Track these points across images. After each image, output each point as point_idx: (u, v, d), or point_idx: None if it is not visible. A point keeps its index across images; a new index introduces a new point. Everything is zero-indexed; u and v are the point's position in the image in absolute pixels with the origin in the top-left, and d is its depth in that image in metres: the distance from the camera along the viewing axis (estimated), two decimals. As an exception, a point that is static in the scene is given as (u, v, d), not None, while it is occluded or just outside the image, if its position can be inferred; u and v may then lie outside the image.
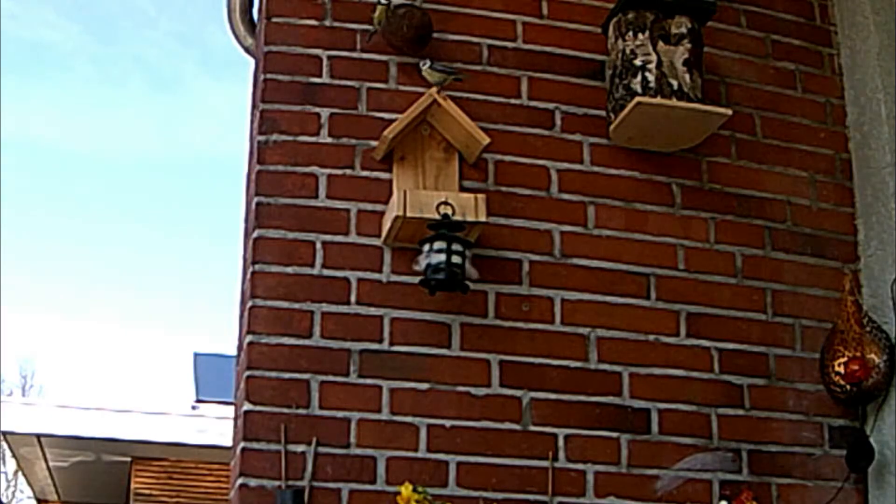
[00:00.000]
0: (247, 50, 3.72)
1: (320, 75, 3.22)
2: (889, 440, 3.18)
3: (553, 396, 3.08)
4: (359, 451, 2.93)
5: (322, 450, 2.91)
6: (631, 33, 3.23)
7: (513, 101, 3.31)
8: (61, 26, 33.78)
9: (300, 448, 2.90)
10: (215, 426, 9.31)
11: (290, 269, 3.04)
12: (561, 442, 3.04)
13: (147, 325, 36.86)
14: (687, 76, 3.20)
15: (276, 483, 2.86)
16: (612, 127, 3.27)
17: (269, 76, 3.20)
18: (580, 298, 3.17)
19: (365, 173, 3.16)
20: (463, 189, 3.15)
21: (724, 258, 3.32)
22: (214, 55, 35.54)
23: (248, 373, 2.94)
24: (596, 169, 3.30)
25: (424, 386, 3.01)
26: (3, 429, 9.86)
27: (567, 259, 3.21)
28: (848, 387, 3.20)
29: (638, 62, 3.21)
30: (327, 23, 3.27)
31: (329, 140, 3.17)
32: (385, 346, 3.02)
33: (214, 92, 36.43)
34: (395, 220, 2.97)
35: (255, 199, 3.09)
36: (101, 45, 34.58)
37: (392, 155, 3.16)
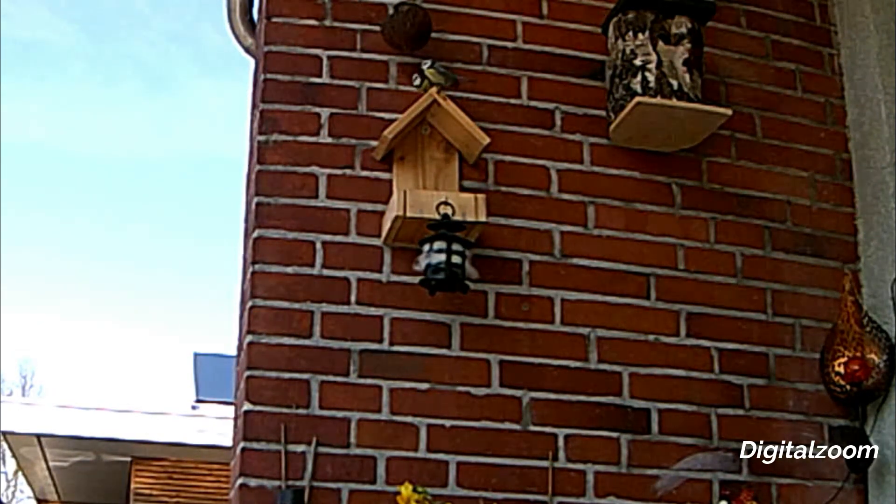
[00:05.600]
0: (247, 50, 3.72)
1: (320, 75, 3.22)
2: (889, 440, 3.18)
3: (553, 396, 3.08)
4: (359, 451, 2.93)
5: (322, 450, 2.91)
6: (631, 33, 3.23)
7: (513, 101, 3.31)
8: (56, 25, 33.82)
9: (300, 448, 2.90)
10: (215, 426, 9.31)
11: (290, 269, 3.04)
12: (561, 442, 3.04)
13: (147, 325, 36.91)
14: (687, 76, 3.20)
15: (276, 483, 2.86)
16: (612, 127, 3.27)
17: (269, 76, 3.20)
18: (580, 298, 3.18)
19: (365, 173, 3.16)
20: (463, 189, 3.15)
21: (724, 258, 3.32)
22: (210, 54, 35.54)
23: (248, 373, 2.95)
24: (596, 169, 3.30)
25: (424, 386, 3.01)
26: (3, 429, 9.86)
27: (567, 259, 3.21)
28: (848, 387, 3.20)
29: (638, 62, 3.21)
30: (327, 23, 3.27)
31: (329, 140, 3.17)
32: (385, 346, 3.02)
33: (210, 91, 36.44)
34: (395, 220, 2.97)
35: (255, 199, 3.10)
36: (96, 44, 34.61)
37: (392, 155, 3.16)
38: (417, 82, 3.11)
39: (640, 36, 3.22)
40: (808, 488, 3.18)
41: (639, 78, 3.19)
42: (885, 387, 3.21)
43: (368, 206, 3.12)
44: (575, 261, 3.21)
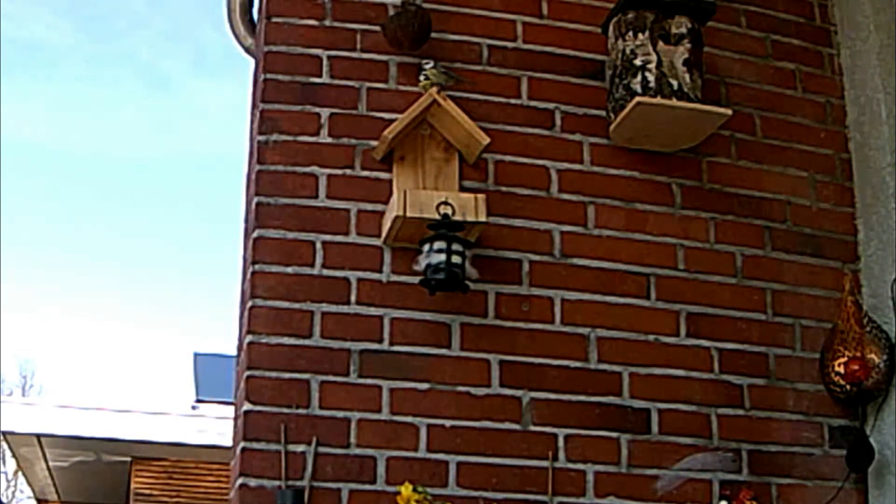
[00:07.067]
0: (247, 50, 3.72)
1: (320, 75, 3.22)
2: (889, 440, 3.18)
3: (553, 396, 3.08)
4: (359, 451, 2.93)
5: (322, 450, 2.91)
6: (631, 33, 3.23)
7: (513, 101, 3.31)
8: (54, 25, 33.82)
9: (300, 448, 2.90)
10: (215, 426, 9.32)
11: (290, 269, 3.04)
12: (561, 442, 3.04)
13: (147, 325, 36.89)
14: (687, 76, 3.20)
15: (276, 483, 2.86)
16: (612, 127, 3.27)
17: (269, 76, 3.20)
18: (580, 298, 3.18)
19: (365, 173, 3.16)
20: (463, 189, 3.16)
21: (724, 258, 3.32)
22: (208, 54, 35.55)
23: (248, 373, 2.95)
24: (596, 169, 3.30)
25: (424, 386, 3.01)
26: (3, 429, 9.86)
27: (567, 259, 3.21)
28: (848, 387, 3.20)
29: (638, 62, 3.21)
30: (327, 23, 3.27)
31: (329, 140, 3.17)
32: (385, 346, 3.02)
33: (210, 91, 36.44)
34: (395, 220, 2.97)
35: (255, 199, 3.10)
36: (96, 44, 34.59)
37: (392, 155, 3.16)
38: (422, 79, 3.11)
39: (640, 36, 3.22)
40: (808, 488, 3.18)
41: (639, 78, 3.19)
42: (885, 387, 3.21)
43: (368, 206, 3.12)
44: (575, 261, 3.21)
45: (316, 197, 3.11)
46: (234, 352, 3.23)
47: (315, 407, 2.94)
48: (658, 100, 3.16)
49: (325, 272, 3.05)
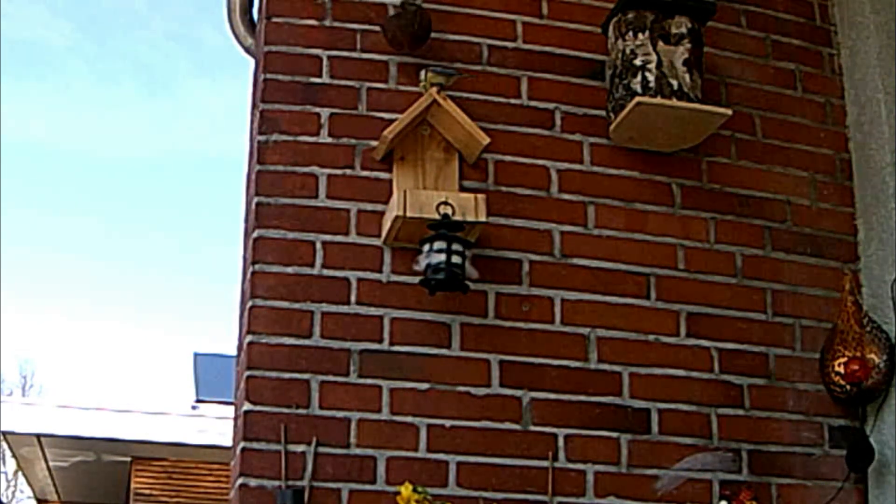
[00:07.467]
0: (247, 50, 3.72)
1: (320, 75, 3.22)
2: (889, 440, 3.18)
3: (553, 396, 3.08)
4: (359, 451, 2.93)
5: (322, 450, 2.91)
6: (631, 33, 3.23)
7: (513, 101, 3.31)
8: (54, 25, 33.81)
9: (300, 448, 2.90)
10: (215, 426, 9.32)
11: (290, 269, 3.04)
12: (561, 442, 3.04)
13: (147, 325, 36.90)
14: (687, 76, 3.20)
15: (276, 483, 2.86)
16: (612, 127, 3.27)
17: (269, 76, 3.20)
18: (580, 298, 3.18)
19: (365, 173, 3.16)
20: (463, 189, 3.16)
21: (724, 258, 3.32)
22: (210, 54, 35.51)
23: (248, 373, 2.95)
24: (596, 169, 3.30)
25: (424, 386, 3.01)
26: (3, 429, 9.87)
27: (567, 259, 3.21)
28: (848, 387, 3.20)
29: (638, 62, 3.21)
30: (327, 23, 3.27)
31: (329, 140, 3.17)
32: (385, 346, 3.02)
33: (210, 91, 36.42)
34: (395, 220, 2.97)
35: (255, 199, 3.10)
36: (96, 44, 34.58)
37: (392, 155, 3.16)
38: (423, 76, 3.10)
39: (640, 36, 3.22)
40: (808, 488, 3.18)
41: (639, 78, 3.19)
42: (885, 387, 3.21)
43: (368, 206, 3.12)
44: (575, 261, 3.21)
45: (316, 197, 3.12)
46: (234, 352, 3.23)
47: (315, 407, 2.94)
48: (658, 100, 3.16)
49: (325, 272, 3.06)
